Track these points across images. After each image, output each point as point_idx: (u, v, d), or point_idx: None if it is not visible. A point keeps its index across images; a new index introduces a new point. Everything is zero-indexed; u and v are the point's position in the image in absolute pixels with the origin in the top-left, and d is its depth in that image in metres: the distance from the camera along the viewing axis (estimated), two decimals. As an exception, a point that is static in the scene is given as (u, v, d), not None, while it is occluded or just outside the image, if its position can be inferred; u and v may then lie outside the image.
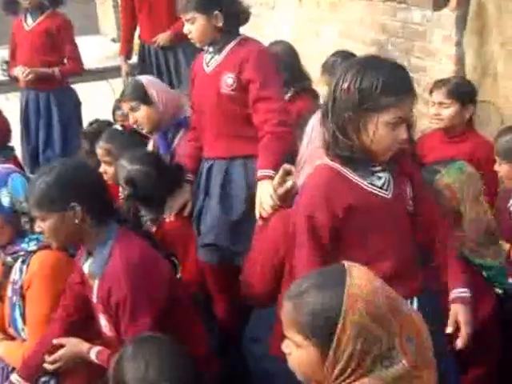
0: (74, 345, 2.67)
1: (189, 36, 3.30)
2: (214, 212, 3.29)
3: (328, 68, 4.34)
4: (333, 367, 1.68)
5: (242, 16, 3.30)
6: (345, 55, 4.34)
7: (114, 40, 10.78)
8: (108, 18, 11.71)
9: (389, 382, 1.66)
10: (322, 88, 4.27)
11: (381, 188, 2.30)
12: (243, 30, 3.38)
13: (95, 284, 2.55)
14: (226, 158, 3.33)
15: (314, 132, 2.50)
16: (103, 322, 2.59)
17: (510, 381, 2.74)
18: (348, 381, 1.68)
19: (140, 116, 3.58)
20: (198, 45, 3.36)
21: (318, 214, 2.25)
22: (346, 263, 1.77)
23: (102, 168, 3.50)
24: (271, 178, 2.88)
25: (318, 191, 2.27)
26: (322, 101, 2.42)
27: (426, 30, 4.89)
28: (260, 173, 3.01)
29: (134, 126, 3.63)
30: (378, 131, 2.20)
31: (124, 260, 2.46)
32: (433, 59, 4.87)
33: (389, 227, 2.34)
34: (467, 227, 2.67)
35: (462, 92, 3.90)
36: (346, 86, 2.19)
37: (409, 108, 2.26)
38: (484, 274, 2.71)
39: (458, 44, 4.67)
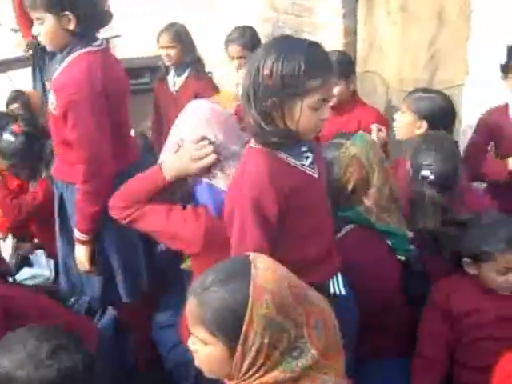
0: None
1: (38, 38, 2.84)
2: None
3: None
4: (241, 363, 1.59)
5: (100, 19, 2.86)
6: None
7: (14, 30, 10.22)
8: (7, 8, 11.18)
9: (299, 373, 1.59)
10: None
11: (309, 167, 2.26)
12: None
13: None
14: (58, 179, 3.08)
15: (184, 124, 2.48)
16: None
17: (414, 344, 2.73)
18: (257, 375, 1.59)
19: None
20: (48, 48, 2.91)
21: (265, 199, 2.16)
22: (251, 254, 1.68)
23: None
24: (84, 242, 2.87)
25: (261, 176, 2.16)
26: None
27: (314, 5, 4.85)
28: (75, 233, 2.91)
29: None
30: (304, 114, 2.10)
31: None
32: (322, 33, 4.84)
33: (320, 206, 2.33)
34: (374, 194, 2.64)
35: (344, 67, 3.93)
36: (267, 72, 2.07)
37: (331, 87, 2.21)
38: (388, 242, 2.69)
39: (346, 16, 4.66)
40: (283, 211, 2.19)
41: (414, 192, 2.90)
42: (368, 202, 2.65)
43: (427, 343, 2.66)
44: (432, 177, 2.85)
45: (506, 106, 3.66)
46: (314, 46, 2.15)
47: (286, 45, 2.13)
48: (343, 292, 2.44)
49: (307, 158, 2.26)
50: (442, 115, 3.36)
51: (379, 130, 3.53)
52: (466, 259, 2.63)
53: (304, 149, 2.25)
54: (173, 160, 2.47)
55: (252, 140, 2.24)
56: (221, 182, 2.43)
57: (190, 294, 1.65)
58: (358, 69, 4.84)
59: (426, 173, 2.84)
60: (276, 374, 1.58)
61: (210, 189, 2.45)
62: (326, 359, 1.63)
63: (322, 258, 2.36)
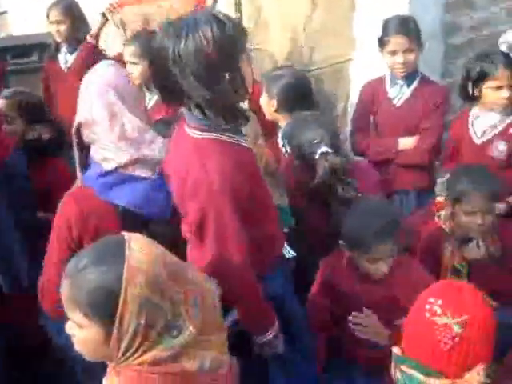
0: None
1: None
2: None
3: None
4: (119, 344, 1.57)
5: None
6: None
7: None
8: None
9: (178, 351, 1.58)
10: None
11: (245, 140, 2.24)
12: None
13: None
14: None
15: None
16: None
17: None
18: (136, 355, 1.58)
19: None
20: None
21: (237, 189, 2.11)
22: (126, 234, 1.65)
23: None
24: None
25: (226, 167, 2.09)
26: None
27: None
28: None
29: None
30: (248, 69, 2.11)
31: None
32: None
33: (262, 179, 2.34)
34: None
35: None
36: (204, 52, 2.00)
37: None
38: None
39: (232, -7, 4.63)
40: (252, 193, 2.17)
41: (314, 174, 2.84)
42: None
43: (313, 315, 2.73)
44: (329, 149, 2.81)
45: (383, 78, 3.71)
46: (228, 18, 2.12)
47: (203, 20, 2.05)
48: (293, 253, 2.52)
49: (243, 135, 2.23)
50: (291, 92, 3.34)
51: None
52: (342, 242, 2.68)
53: (240, 126, 2.22)
54: None
55: (190, 130, 2.15)
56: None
57: (65, 277, 1.61)
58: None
59: (323, 149, 2.80)
60: (155, 353, 1.57)
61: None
62: (204, 335, 1.62)
63: (278, 231, 2.38)
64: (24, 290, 2.94)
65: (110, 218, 2.35)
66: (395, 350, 1.88)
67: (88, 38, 4.61)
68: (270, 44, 4.63)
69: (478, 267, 3.01)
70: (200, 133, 2.13)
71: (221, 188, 2.07)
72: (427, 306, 1.80)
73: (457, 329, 1.76)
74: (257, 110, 3.37)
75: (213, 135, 2.12)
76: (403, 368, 1.84)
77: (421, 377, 1.80)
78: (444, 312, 1.77)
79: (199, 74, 2.02)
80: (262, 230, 2.26)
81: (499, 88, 3.29)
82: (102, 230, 2.29)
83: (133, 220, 2.30)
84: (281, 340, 2.34)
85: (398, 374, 1.86)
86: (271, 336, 2.30)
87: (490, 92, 3.31)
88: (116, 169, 2.35)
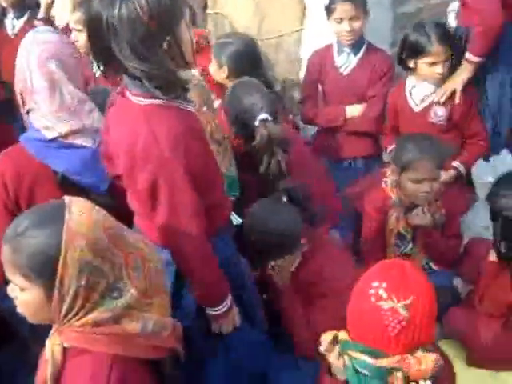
0: None
1: None
2: None
3: None
4: (60, 306, 1.57)
5: None
6: None
7: None
8: None
9: (119, 312, 1.59)
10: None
11: (190, 105, 2.17)
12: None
13: None
14: None
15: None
16: None
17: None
18: (77, 317, 1.59)
19: None
20: None
21: (189, 154, 2.04)
22: (67, 198, 1.64)
23: None
24: None
25: (177, 130, 2.03)
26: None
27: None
28: None
29: None
30: (186, 36, 2.03)
31: None
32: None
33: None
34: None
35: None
36: (138, 21, 1.92)
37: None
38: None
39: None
40: (202, 159, 2.13)
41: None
42: None
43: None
44: (269, 117, 2.79)
45: (330, 47, 3.73)
46: None
47: None
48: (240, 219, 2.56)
49: (185, 97, 2.16)
50: (240, 60, 3.35)
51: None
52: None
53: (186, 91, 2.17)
54: None
55: (134, 97, 2.06)
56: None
57: (4, 241, 1.60)
58: (210, 10, 4.85)
59: (263, 116, 2.78)
60: (96, 315, 1.58)
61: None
62: (147, 298, 1.64)
63: (225, 199, 2.37)
64: None
65: (46, 182, 2.30)
66: (341, 335, 1.89)
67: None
68: (230, 10, 4.60)
69: (422, 233, 3.09)
70: (145, 99, 2.05)
71: (172, 154, 2.01)
72: (371, 291, 1.80)
73: (403, 312, 1.77)
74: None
75: (158, 101, 2.05)
76: (351, 353, 1.86)
77: (370, 359, 1.82)
78: (389, 296, 1.78)
79: (134, 44, 1.94)
80: (210, 197, 2.22)
81: (434, 64, 3.34)
82: (37, 193, 2.27)
83: (71, 188, 2.24)
84: (236, 311, 2.32)
85: (347, 360, 1.87)
86: (226, 307, 2.26)
87: (425, 67, 3.37)
88: (56, 138, 2.31)
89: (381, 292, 1.79)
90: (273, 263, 2.67)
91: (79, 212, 1.59)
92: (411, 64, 3.42)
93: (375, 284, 1.80)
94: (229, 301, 2.26)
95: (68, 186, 2.27)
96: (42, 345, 1.69)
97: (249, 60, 3.37)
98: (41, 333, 1.76)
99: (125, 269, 1.61)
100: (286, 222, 2.63)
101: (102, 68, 2.08)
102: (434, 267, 3.18)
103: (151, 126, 2.02)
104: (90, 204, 1.65)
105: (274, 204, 2.69)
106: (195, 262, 2.14)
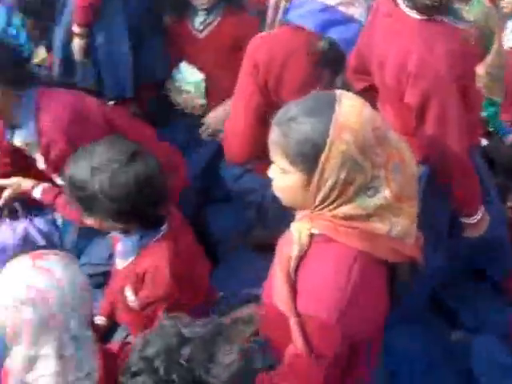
0: (17, 183, 2.70)
1: None
2: None
3: None
4: (316, 193, 1.62)
5: None
6: None
7: None
8: None
9: (370, 211, 1.61)
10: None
11: None
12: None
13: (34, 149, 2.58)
14: None
15: None
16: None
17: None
18: (330, 207, 1.62)
19: None
20: None
21: (462, 72, 2.15)
22: (338, 91, 1.65)
23: None
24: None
25: (453, 50, 2.12)
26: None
27: None
28: None
29: None
30: None
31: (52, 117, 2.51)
32: None
33: None
34: None
35: None
36: None
37: None
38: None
39: None
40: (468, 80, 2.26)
41: None
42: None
43: None
44: None
45: None
46: None
47: None
48: None
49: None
50: None
51: None
52: None
53: None
54: None
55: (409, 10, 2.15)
56: None
57: (275, 123, 1.66)
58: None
59: None
60: (347, 209, 1.61)
61: None
62: (399, 202, 1.63)
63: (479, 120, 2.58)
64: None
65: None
66: None
67: None
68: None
69: None
70: (421, 16, 2.11)
71: (448, 75, 2.10)
72: None
73: None
74: None
75: (438, 17, 2.10)
76: None
77: None
78: None
79: None
80: (472, 115, 2.31)
81: None
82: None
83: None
84: (487, 221, 2.45)
85: None
86: (480, 215, 2.40)
87: None
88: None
89: None
90: None
91: (350, 106, 1.60)
92: None
93: None
94: (481, 210, 2.40)
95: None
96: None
97: None
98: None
99: (384, 170, 1.60)
100: None
101: None
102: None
103: (427, 43, 2.10)
104: (362, 100, 1.65)
105: None
106: (459, 174, 2.26)
